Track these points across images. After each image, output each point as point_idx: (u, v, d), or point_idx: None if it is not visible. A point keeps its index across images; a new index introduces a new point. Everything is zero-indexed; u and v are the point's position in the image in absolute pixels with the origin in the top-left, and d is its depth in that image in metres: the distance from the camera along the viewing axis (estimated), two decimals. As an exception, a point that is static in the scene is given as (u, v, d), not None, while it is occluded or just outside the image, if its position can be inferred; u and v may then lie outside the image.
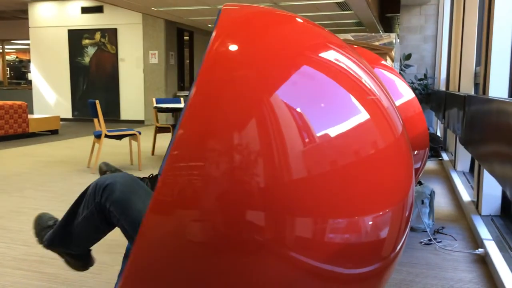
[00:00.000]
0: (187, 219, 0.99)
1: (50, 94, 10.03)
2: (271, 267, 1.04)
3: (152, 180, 1.74)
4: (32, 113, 9.70)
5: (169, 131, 5.52)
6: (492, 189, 2.61)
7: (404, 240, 1.24)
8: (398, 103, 2.21)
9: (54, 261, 2.13)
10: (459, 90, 3.93)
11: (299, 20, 1.21)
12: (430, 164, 4.79)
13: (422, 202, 2.58)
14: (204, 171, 0.98)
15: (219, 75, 1.04)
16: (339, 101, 1.19)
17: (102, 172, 1.80)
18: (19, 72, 13.88)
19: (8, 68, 13.56)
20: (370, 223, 1.04)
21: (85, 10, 9.58)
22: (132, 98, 9.60)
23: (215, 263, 1.01)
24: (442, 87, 5.77)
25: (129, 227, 1.30)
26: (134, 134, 4.50)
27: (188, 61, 10.60)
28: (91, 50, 9.66)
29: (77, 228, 1.39)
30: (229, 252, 1.00)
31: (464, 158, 4.00)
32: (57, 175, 4.12)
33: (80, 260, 1.54)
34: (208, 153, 0.99)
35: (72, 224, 1.40)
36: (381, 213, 1.08)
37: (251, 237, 1.00)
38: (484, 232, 2.38)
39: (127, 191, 1.33)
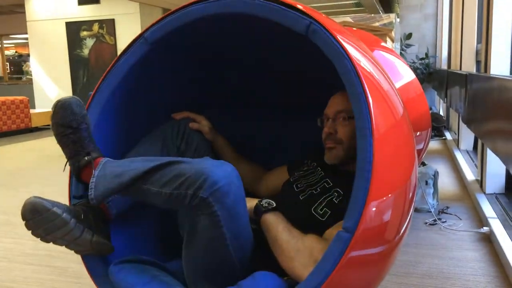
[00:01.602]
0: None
1: (51, 87, 10.03)
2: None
3: None
4: (34, 107, 9.70)
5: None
6: (496, 167, 2.61)
7: (408, 222, 1.24)
8: (398, 85, 2.20)
9: (63, 254, 2.15)
10: (460, 69, 3.90)
11: (298, 7, 1.21)
12: (434, 144, 4.78)
13: (426, 183, 2.58)
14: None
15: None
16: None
17: (41, 209, 1.14)
18: (19, 67, 13.86)
19: (8, 64, 13.52)
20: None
21: (81, 1, 9.51)
22: (133, 89, 9.58)
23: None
24: (444, 66, 5.73)
25: (230, 238, 1.10)
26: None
27: (187, 49, 10.55)
28: (89, 42, 9.62)
29: (141, 192, 1.13)
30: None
31: (467, 136, 3.99)
32: (62, 168, 4.11)
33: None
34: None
35: (139, 186, 1.12)
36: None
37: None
38: (488, 210, 2.39)
39: (240, 198, 1.11)
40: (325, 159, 1.41)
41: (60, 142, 1.28)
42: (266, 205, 1.22)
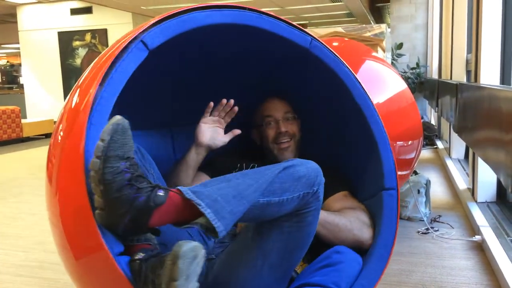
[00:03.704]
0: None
1: (43, 97, 9.98)
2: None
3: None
4: (25, 117, 9.64)
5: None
6: (487, 175, 2.62)
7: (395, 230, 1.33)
8: (390, 94, 2.22)
9: (54, 266, 2.13)
10: (451, 78, 3.94)
11: (299, 27, 1.33)
12: (425, 153, 4.81)
13: (418, 192, 2.59)
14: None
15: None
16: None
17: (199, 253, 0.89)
18: (11, 77, 13.79)
19: (-1, 73, 13.47)
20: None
21: (74, 11, 9.51)
22: (126, 98, 9.54)
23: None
24: (435, 75, 5.78)
25: (314, 232, 1.15)
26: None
27: (180, 58, 10.54)
28: (82, 52, 9.60)
29: (257, 208, 1.02)
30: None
31: (458, 145, 4.02)
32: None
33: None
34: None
35: (257, 201, 1.02)
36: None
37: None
38: (480, 219, 2.40)
39: None
40: (282, 158, 1.58)
41: (111, 184, 0.86)
42: None
